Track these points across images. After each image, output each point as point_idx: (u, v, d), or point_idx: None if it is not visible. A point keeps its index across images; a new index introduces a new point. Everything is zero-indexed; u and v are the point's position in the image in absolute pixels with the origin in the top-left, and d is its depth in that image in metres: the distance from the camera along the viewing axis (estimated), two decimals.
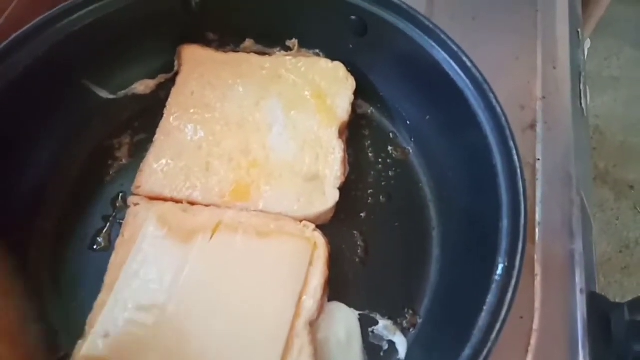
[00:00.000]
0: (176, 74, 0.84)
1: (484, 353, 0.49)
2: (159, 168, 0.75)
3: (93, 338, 0.62)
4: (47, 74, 0.73)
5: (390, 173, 0.79)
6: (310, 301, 0.65)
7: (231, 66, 0.83)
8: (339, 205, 0.73)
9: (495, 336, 0.50)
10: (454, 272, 0.68)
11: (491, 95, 0.62)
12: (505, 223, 0.57)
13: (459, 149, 0.70)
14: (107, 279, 0.67)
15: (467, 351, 0.51)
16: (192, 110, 0.80)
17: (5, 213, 0.71)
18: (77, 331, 0.65)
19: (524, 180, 0.57)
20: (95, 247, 0.74)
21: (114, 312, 0.63)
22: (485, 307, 0.53)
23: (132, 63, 0.83)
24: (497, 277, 0.54)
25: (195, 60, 0.83)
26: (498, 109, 0.62)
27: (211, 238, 0.68)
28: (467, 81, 0.65)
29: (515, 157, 0.59)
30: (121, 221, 0.73)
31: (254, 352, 0.61)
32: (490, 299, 0.53)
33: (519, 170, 0.58)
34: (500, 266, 0.55)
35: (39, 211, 0.74)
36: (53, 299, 0.69)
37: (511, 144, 0.59)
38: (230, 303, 0.64)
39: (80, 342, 0.63)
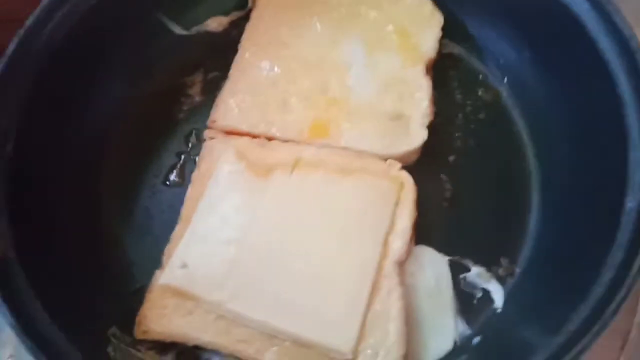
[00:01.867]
0: (250, 11, 0.79)
1: (623, 290, 0.43)
2: (234, 103, 0.71)
3: (171, 268, 0.59)
4: (123, 4, 0.71)
5: (480, 115, 0.73)
6: (399, 242, 0.60)
7: (308, 3, 0.78)
8: (424, 148, 0.68)
9: (635, 272, 0.43)
10: (562, 217, 0.61)
11: (617, 17, 0.55)
12: (637, 154, 0.49)
13: (567, 83, 0.63)
14: (184, 211, 0.64)
15: (598, 289, 0.44)
16: (267, 47, 0.75)
17: (79, 143, 0.69)
18: (152, 264, 0.63)
19: None
20: (168, 182, 0.71)
21: (192, 244, 0.61)
22: (614, 245, 0.46)
23: None
24: (628, 211, 0.47)
25: None
26: (626, 31, 0.54)
27: (291, 174, 0.64)
28: (585, 3, 0.57)
29: None
30: (195, 157, 0.71)
31: (339, 291, 0.57)
32: (622, 235, 0.46)
33: None
34: (632, 200, 0.48)
35: (112, 145, 0.72)
36: (127, 232, 0.68)
37: None
38: (313, 240, 0.60)
39: (157, 272, 0.61)
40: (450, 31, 0.75)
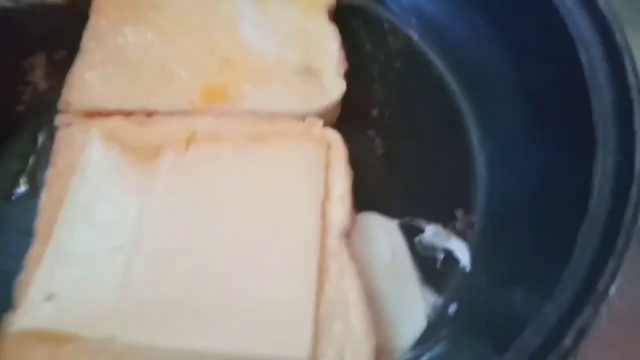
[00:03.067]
0: None
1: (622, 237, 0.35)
2: (94, 77, 0.54)
3: (31, 303, 0.41)
4: None
5: (395, 64, 0.64)
6: (339, 210, 0.48)
7: None
8: (343, 106, 0.57)
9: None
10: (510, 154, 0.54)
11: None
12: (585, 57, 0.43)
13: (488, 10, 0.57)
14: (40, 225, 0.46)
15: (593, 235, 0.36)
16: (128, 11, 0.60)
17: None
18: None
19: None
20: (14, 195, 0.51)
21: (58, 265, 0.42)
22: (593, 180, 0.39)
23: None
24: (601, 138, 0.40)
25: None
26: None
27: (187, 151, 0.49)
28: None
29: None
30: (46, 158, 0.52)
31: (278, 284, 0.43)
32: (599, 164, 0.39)
33: None
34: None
35: None
36: None
37: None
38: (234, 228, 0.45)
39: (6, 316, 0.41)
40: None
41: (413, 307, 0.47)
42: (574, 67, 0.44)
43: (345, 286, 0.44)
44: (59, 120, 0.52)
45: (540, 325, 0.35)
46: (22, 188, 0.52)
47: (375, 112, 0.60)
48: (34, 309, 0.40)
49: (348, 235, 0.47)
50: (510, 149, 0.54)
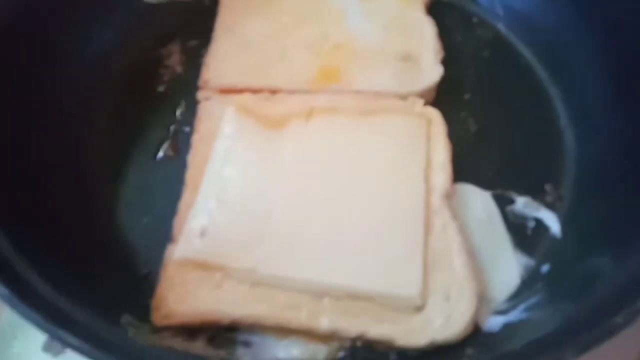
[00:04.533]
0: None
1: None
2: (227, 60, 0.64)
3: (187, 238, 0.50)
4: None
5: (485, 53, 0.69)
6: (441, 175, 0.54)
7: None
8: (437, 89, 0.63)
9: None
10: (597, 130, 0.58)
11: None
12: None
13: None
14: (189, 178, 0.55)
15: None
16: (250, 6, 0.69)
17: (55, 126, 0.58)
18: (157, 247, 0.52)
19: None
20: (160, 157, 0.61)
21: (208, 209, 0.51)
22: None
23: None
24: None
25: None
26: None
27: (307, 122, 0.57)
28: None
29: None
30: (186, 128, 0.62)
31: (390, 234, 0.49)
32: None
33: None
34: None
35: (91, 123, 0.62)
36: (122, 214, 0.57)
37: None
38: (350, 186, 0.53)
39: (169, 247, 0.50)
40: None
41: (507, 266, 0.52)
42: None
43: (448, 239, 0.50)
44: (200, 95, 0.61)
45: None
46: (166, 151, 0.62)
47: (467, 96, 0.66)
48: (190, 243, 0.49)
49: (450, 197, 0.53)
50: (598, 126, 0.58)
